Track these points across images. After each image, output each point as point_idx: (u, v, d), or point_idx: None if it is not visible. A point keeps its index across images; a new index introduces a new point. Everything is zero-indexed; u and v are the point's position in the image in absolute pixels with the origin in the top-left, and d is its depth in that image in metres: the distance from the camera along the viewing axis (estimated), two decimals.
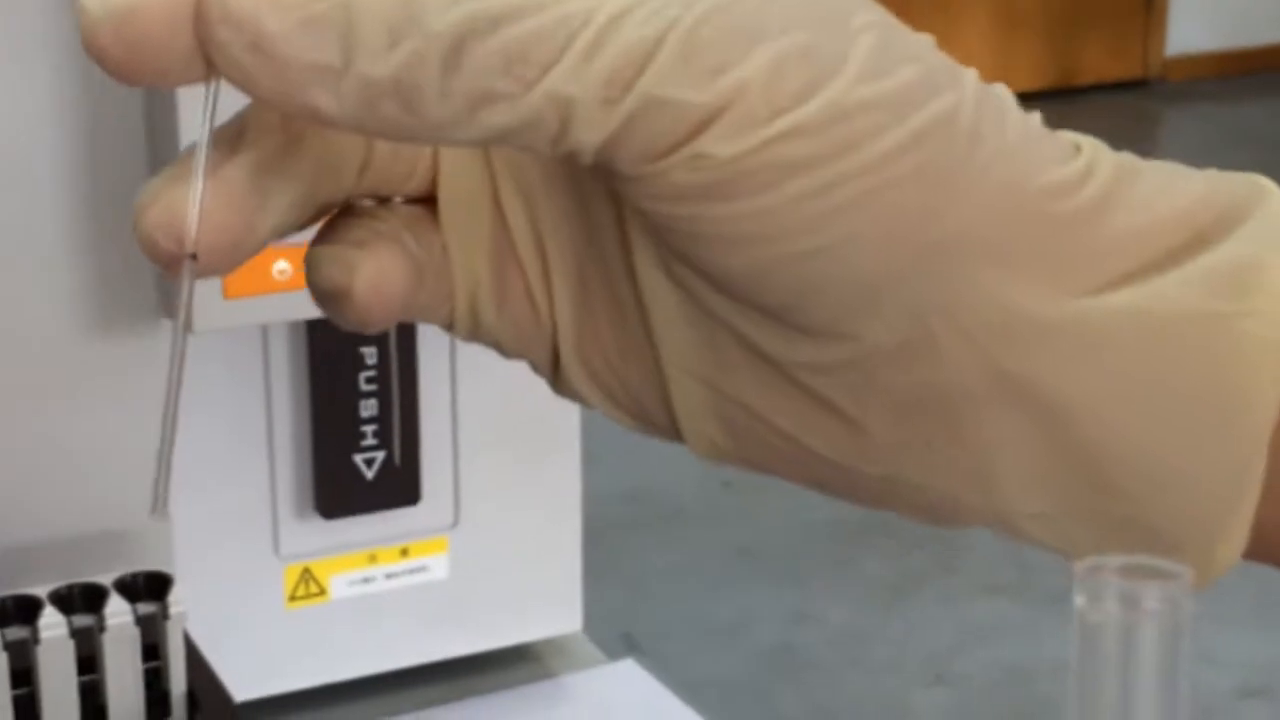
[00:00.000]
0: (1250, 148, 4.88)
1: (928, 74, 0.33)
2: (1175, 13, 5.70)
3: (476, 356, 0.91)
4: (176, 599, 0.75)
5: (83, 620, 0.74)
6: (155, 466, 0.32)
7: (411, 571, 0.93)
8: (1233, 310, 0.33)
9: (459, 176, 0.36)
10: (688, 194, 0.32)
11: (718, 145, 0.31)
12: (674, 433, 0.37)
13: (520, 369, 0.99)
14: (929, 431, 0.34)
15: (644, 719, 0.94)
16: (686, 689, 0.96)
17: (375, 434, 0.89)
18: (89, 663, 0.74)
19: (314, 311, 0.89)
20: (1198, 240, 0.34)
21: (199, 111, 0.32)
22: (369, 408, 0.88)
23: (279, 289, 0.78)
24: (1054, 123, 0.36)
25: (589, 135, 0.31)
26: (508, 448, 0.93)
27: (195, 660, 0.77)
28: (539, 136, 0.31)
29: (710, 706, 0.96)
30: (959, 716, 2.37)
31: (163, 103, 0.77)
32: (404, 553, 0.92)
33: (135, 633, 0.75)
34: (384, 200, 0.36)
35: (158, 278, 0.81)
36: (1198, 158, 0.36)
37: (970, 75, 0.33)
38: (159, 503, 0.32)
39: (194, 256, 0.32)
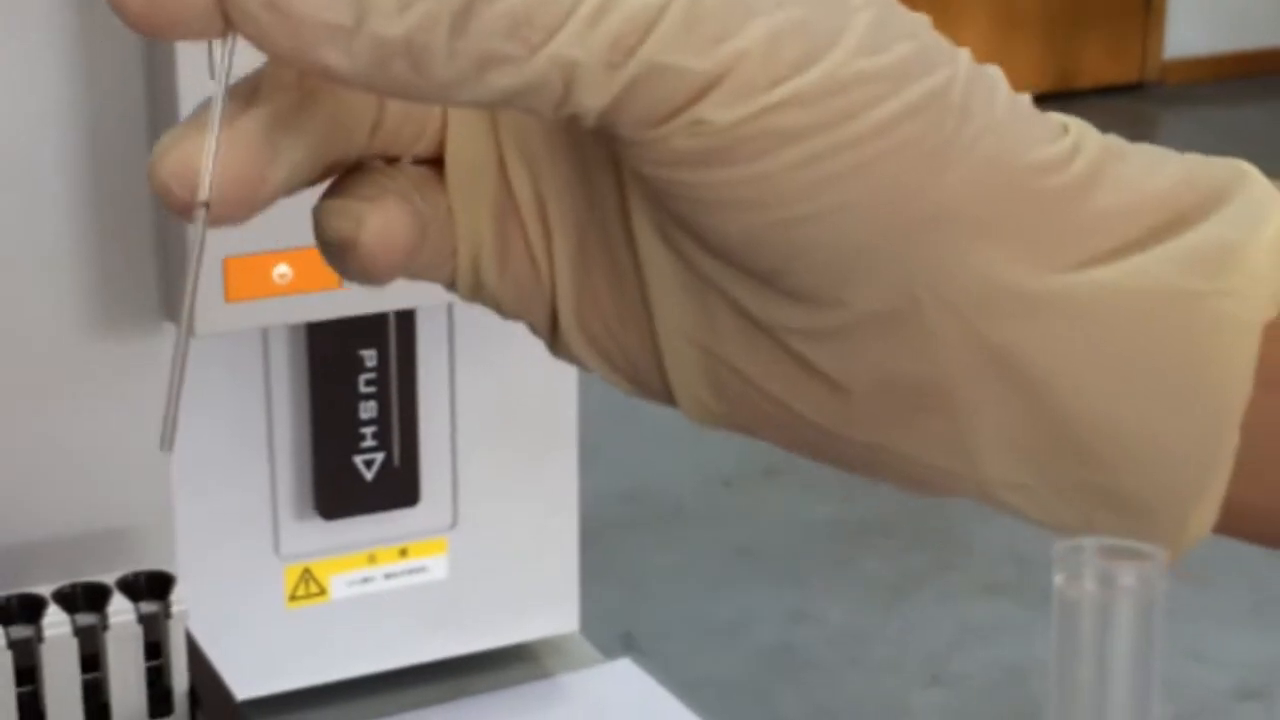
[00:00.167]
0: (1248, 151, 4.86)
1: (922, 50, 0.34)
2: (1173, 15, 5.70)
3: (475, 359, 0.91)
4: (178, 598, 0.75)
5: (86, 619, 0.74)
6: (165, 402, 0.33)
7: (410, 572, 0.93)
8: (1210, 289, 0.34)
9: (466, 141, 0.37)
10: (687, 159, 0.33)
11: (717, 112, 0.32)
12: (667, 396, 0.38)
13: (518, 370, 0.99)
14: (913, 400, 0.35)
15: (641, 718, 0.94)
16: (685, 689, 0.96)
17: (375, 436, 0.89)
18: (92, 661, 0.74)
19: (314, 315, 0.89)
20: (1179, 220, 0.35)
21: (216, 69, 0.33)
22: (368, 410, 0.88)
23: (280, 292, 0.78)
24: None
25: (592, 99, 0.32)
26: (506, 449, 0.93)
27: (197, 658, 0.77)
28: (543, 99, 0.32)
29: (709, 706, 0.96)
30: (957, 716, 2.37)
31: (166, 104, 0.77)
32: (403, 553, 0.93)
33: (138, 631, 0.75)
34: (393, 160, 0.37)
35: (160, 278, 0.81)
36: None
37: (963, 54, 0.34)
38: (167, 437, 0.33)
39: (207, 204, 0.33)
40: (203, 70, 0.75)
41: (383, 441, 0.89)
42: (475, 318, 0.90)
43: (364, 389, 0.88)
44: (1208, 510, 0.36)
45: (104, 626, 0.74)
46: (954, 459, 0.36)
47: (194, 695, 0.76)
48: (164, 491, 0.84)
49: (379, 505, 0.91)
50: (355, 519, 0.90)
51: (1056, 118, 0.36)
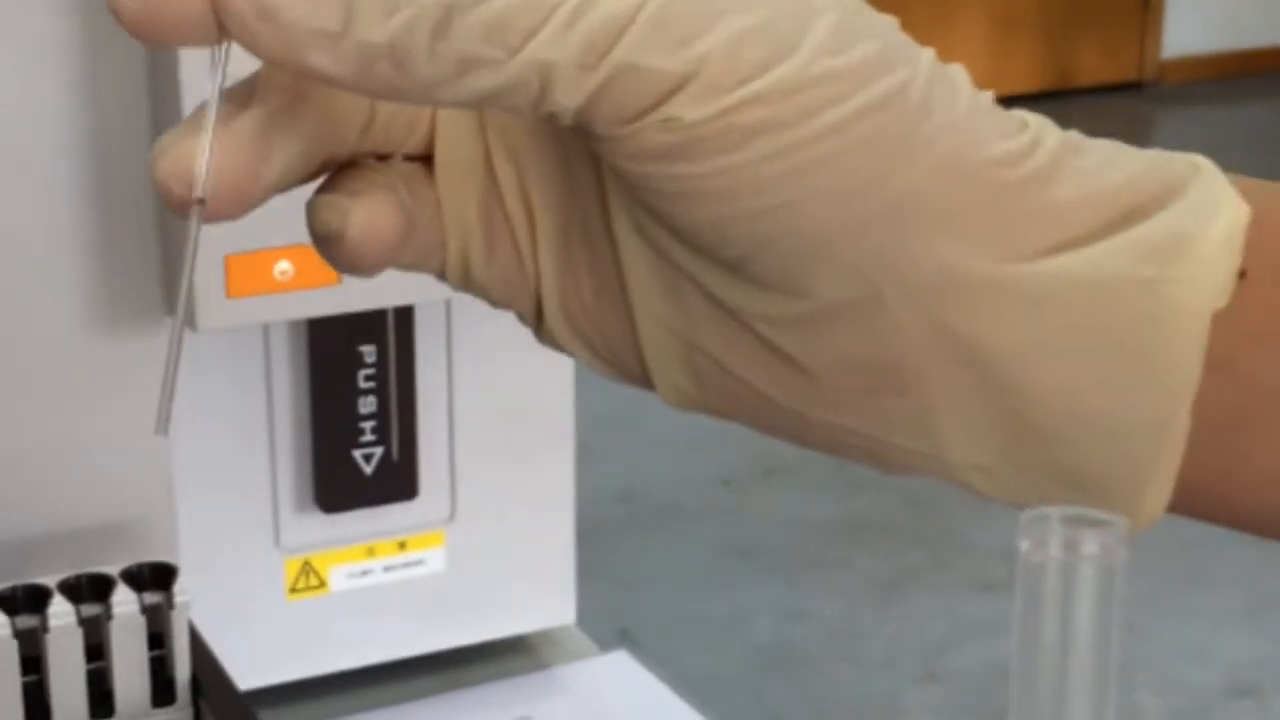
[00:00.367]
0: (1246, 149, 4.89)
1: (884, 51, 0.35)
2: (1171, 15, 5.69)
3: (473, 355, 0.92)
4: (181, 589, 0.75)
5: (90, 609, 0.74)
6: (160, 388, 0.34)
7: (409, 564, 0.93)
8: (1163, 277, 0.36)
9: (454, 139, 0.39)
10: (658, 153, 0.35)
11: (685, 109, 0.34)
12: (645, 380, 0.40)
13: (515, 366, 1.00)
14: (877, 384, 0.37)
15: (635, 709, 0.94)
16: (681, 685, 0.97)
17: (374, 430, 0.89)
18: (96, 650, 0.75)
19: (314, 311, 0.90)
20: (1134, 212, 0.36)
21: (212, 73, 0.35)
22: (368, 405, 0.89)
23: (280, 289, 0.79)
24: None
25: (568, 98, 0.34)
26: (503, 444, 0.94)
27: (199, 648, 0.77)
28: (522, 99, 0.34)
29: (704, 702, 0.96)
30: (951, 712, 2.36)
31: (169, 104, 0.77)
32: (401, 546, 0.93)
33: (141, 621, 0.75)
34: (385, 157, 0.38)
35: (163, 276, 0.81)
36: None
37: (927, 54, 0.36)
38: (162, 421, 0.34)
39: (202, 201, 0.34)
40: (205, 71, 0.75)
41: (382, 436, 0.90)
42: (473, 315, 0.90)
43: (363, 384, 0.88)
44: (1161, 490, 0.37)
45: (108, 617, 0.74)
46: (918, 440, 0.37)
47: (196, 684, 0.77)
48: (166, 485, 0.84)
49: (378, 499, 0.91)
50: (354, 512, 0.91)
51: (1017, 114, 0.37)
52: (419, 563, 0.94)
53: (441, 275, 0.40)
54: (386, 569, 0.93)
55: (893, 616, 2.58)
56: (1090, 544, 0.30)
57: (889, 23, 0.36)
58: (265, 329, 0.87)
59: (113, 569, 0.76)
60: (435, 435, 0.92)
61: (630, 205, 0.37)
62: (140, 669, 0.75)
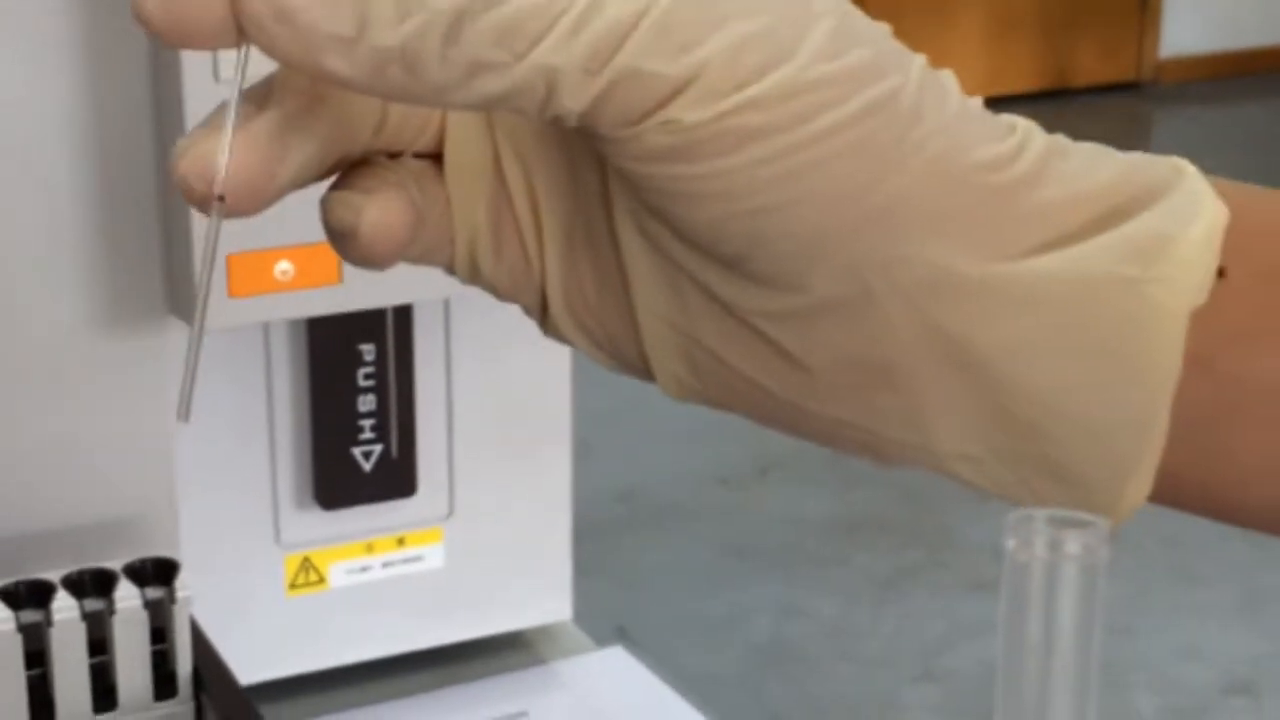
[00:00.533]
0: (1243, 149, 4.89)
1: (877, 57, 0.36)
2: (1169, 15, 5.70)
3: (471, 354, 0.92)
4: (183, 584, 0.76)
5: (94, 604, 0.75)
6: (182, 377, 0.36)
7: (407, 561, 0.94)
8: (1144, 277, 0.37)
9: (464, 139, 0.40)
10: (659, 155, 0.36)
11: (685, 112, 0.35)
12: (646, 372, 0.41)
13: (513, 364, 1.01)
14: (869, 378, 0.38)
15: (631, 704, 0.95)
16: (679, 683, 0.97)
17: (373, 428, 0.90)
18: (99, 644, 0.75)
19: (314, 310, 0.91)
20: (1117, 213, 0.37)
21: (230, 74, 0.36)
22: (367, 403, 0.89)
23: (281, 289, 0.79)
24: (1048, 124, 0.39)
25: (572, 102, 0.35)
26: (501, 441, 0.94)
27: (201, 643, 0.78)
28: (528, 102, 0.35)
29: (702, 700, 0.96)
30: (947, 711, 2.37)
31: (171, 105, 0.78)
32: (400, 542, 0.93)
33: (144, 616, 0.75)
34: (396, 156, 0.40)
35: (166, 276, 0.82)
36: (1191, 159, 0.39)
37: (917, 61, 0.37)
38: (184, 408, 0.36)
39: (222, 198, 0.36)
40: (207, 73, 0.76)
41: (381, 434, 0.90)
42: (472, 314, 0.91)
43: (363, 383, 0.89)
44: (1143, 481, 0.38)
45: (111, 611, 0.75)
46: (908, 432, 0.39)
47: (197, 678, 0.77)
48: (168, 482, 0.85)
49: (377, 496, 0.91)
50: (354, 509, 0.91)
51: (1005, 118, 0.38)
52: (417, 559, 0.94)
53: (450, 269, 0.41)
54: (385, 565, 0.93)
55: (890, 615, 2.59)
56: (1073, 544, 0.31)
57: (881, 29, 0.37)
58: (265, 328, 0.88)
59: (115, 564, 0.76)
60: (434, 433, 0.92)
61: (632, 205, 0.38)
62: (142, 663, 0.76)
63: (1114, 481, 0.38)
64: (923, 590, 2.64)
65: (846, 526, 2.82)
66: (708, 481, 2.96)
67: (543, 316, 0.41)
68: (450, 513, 0.94)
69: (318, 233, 0.87)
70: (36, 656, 0.75)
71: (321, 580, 0.92)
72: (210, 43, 0.35)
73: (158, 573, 0.77)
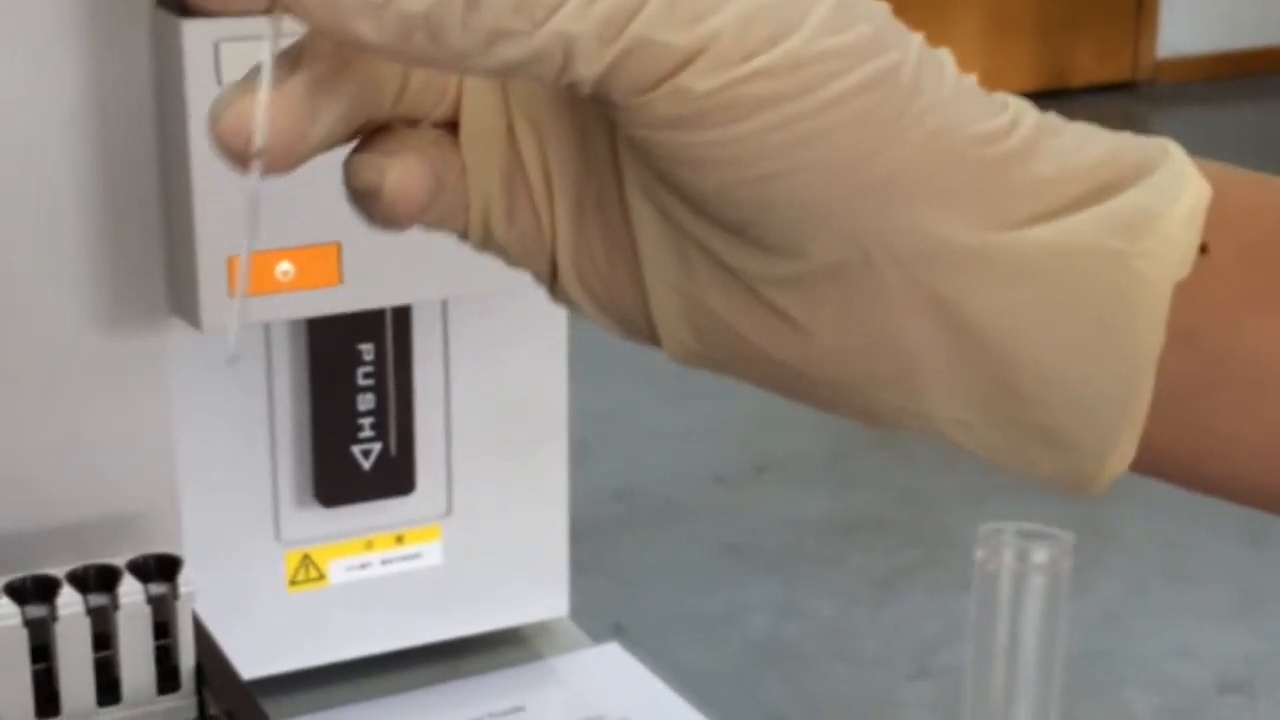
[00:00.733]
0: (1240, 150, 4.89)
1: (878, 33, 0.38)
2: (1166, 16, 5.71)
3: (469, 354, 0.93)
4: (185, 580, 0.76)
5: (98, 599, 0.75)
6: (230, 326, 0.38)
7: (406, 558, 0.94)
8: (1131, 250, 0.38)
9: (480, 108, 0.42)
10: (669, 122, 0.37)
11: (695, 81, 0.37)
12: (652, 337, 0.42)
13: (510, 364, 1.01)
14: (867, 343, 0.39)
15: (627, 699, 0.95)
16: (676, 681, 0.97)
17: (372, 427, 0.90)
18: (104, 639, 0.75)
19: (314, 311, 0.91)
20: (1106, 189, 0.39)
21: (265, 38, 0.38)
22: (366, 402, 0.90)
23: (282, 289, 0.79)
24: None
25: (588, 69, 0.37)
26: (498, 440, 0.94)
27: (203, 637, 0.78)
28: (546, 69, 0.37)
29: (699, 698, 0.96)
30: (944, 709, 2.37)
31: (174, 104, 0.78)
32: (399, 540, 0.94)
33: (147, 611, 0.76)
34: (414, 123, 0.41)
35: (167, 275, 0.82)
36: None
37: (916, 38, 0.39)
38: (234, 354, 0.39)
39: (260, 155, 0.38)
40: (209, 73, 0.76)
41: (380, 432, 0.90)
42: (470, 315, 0.92)
43: (362, 382, 0.89)
44: (1127, 447, 0.40)
45: (115, 607, 0.75)
46: (904, 397, 0.40)
47: (200, 672, 0.77)
48: (171, 480, 0.85)
49: (376, 494, 0.92)
50: (353, 507, 0.91)
51: (998, 96, 0.40)
52: (416, 556, 0.94)
53: (463, 235, 0.43)
54: (384, 562, 0.94)
55: (887, 614, 2.59)
56: (1040, 555, 0.32)
57: (881, 8, 0.39)
58: (266, 328, 0.88)
59: (119, 561, 0.77)
60: (432, 432, 0.93)
61: (642, 173, 0.40)
62: (146, 657, 0.76)
63: (1100, 447, 0.39)
64: (920, 590, 2.65)
65: (844, 526, 2.82)
66: (705, 481, 2.96)
67: (552, 282, 0.43)
68: (448, 510, 0.95)
69: (318, 235, 0.89)
70: (42, 651, 0.75)
71: (321, 577, 0.93)
72: (246, 7, 0.37)
73: (161, 569, 0.77)
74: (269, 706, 0.78)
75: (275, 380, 0.89)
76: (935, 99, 0.38)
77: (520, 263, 0.43)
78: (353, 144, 0.41)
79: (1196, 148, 0.41)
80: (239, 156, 0.38)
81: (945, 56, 0.39)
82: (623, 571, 2.66)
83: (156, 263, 0.82)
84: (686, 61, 0.37)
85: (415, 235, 0.85)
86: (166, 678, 0.77)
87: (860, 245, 0.38)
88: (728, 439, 3.07)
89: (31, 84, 0.78)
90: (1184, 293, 0.38)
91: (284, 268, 0.80)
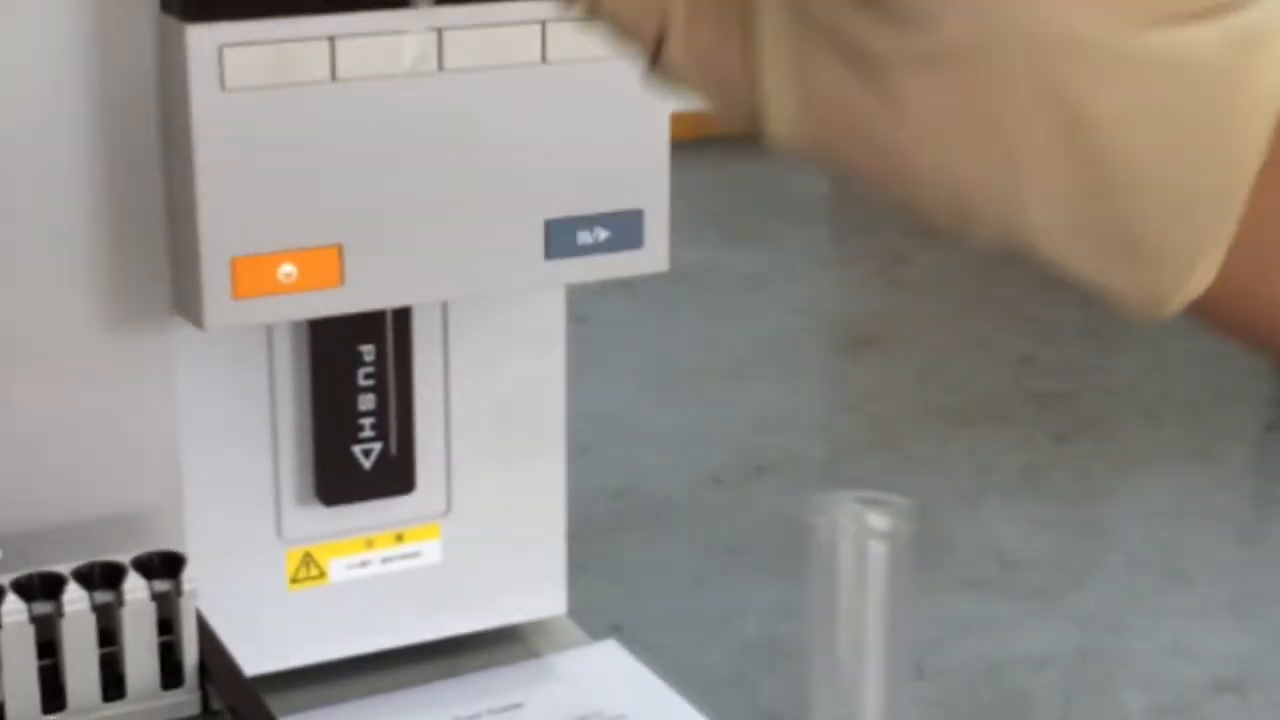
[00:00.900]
0: None
1: None
2: None
3: (468, 354, 0.93)
4: (189, 577, 0.77)
5: (103, 596, 0.76)
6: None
7: (406, 556, 0.94)
8: (1243, 64, 0.39)
9: None
10: None
11: None
12: (753, 117, 0.42)
13: (509, 365, 1.01)
14: (980, 128, 0.40)
15: (625, 696, 0.95)
16: (673, 680, 0.97)
17: (373, 427, 0.90)
18: (108, 635, 0.76)
19: (316, 312, 0.92)
20: (1229, 4, 0.39)
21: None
22: (367, 402, 0.90)
23: (284, 291, 0.80)
24: None
25: None
26: (497, 440, 0.95)
27: (206, 634, 0.79)
28: None
29: (696, 696, 0.97)
30: (940, 709, 2.37)
31: (178, 104, 0.78)
32: (399, 538, 0.94)
33: (151, 608, 0.76)
34: None
35: (171, 274, 0.82)
36: None
37: None
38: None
39: None
40: (213, 77, 0.77)
41: (380, 432, 0.91)
42: (469, 316, 0.92)
43: (363, 382, 0.90)
44: (1207, 268, 0.40)
45: (120, 603, 0.76)
46: (1004, 189, 0.40)
47: (203, 668, 0.78)
48: (175, 479, 0.86)
49: (376, 492, 0.92)
50: (354, 505, 0.92)
51: None
52: (416, 554, 0.95)
53: None
54: (384, 560, 0.94)
55: None
56: (880, 521, 0.33)
57: None
58: (269, 329, 0.88)
59: (124, 558, 0.77)
60: (432, 432, 0.93)
61: None
62: (150, 653, 0.77)
63: (1181, 264, 0.40)
64: (915, 590, 2.64)
65: None
66: (703, 481, 2.96)
67: (655, 55, 0.42)
68: (448, 509, 0.95)
69: (320, 237, 0.90)
70: (48, 647, 0.76)
71: (322, 575, 0.93)
72: None
73: (165, 566, 0.78)
74: (271, 702, 0.78)
75: (277, 381, 0.90)
76: None
77: (628, 27, 0.42)
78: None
79: None
80: None
81: None
82: (621, 570, 2.66)
83: (160, 264, 0.82)
84: None
85: (416, 237, 0.86)
86: (170, 674, 0.78)
87: (996, 26, 0.38)
88: (726, 439, 3.07)
89: (37, 86, 0.78)
90: None
91: (286, 270, 0.80)
